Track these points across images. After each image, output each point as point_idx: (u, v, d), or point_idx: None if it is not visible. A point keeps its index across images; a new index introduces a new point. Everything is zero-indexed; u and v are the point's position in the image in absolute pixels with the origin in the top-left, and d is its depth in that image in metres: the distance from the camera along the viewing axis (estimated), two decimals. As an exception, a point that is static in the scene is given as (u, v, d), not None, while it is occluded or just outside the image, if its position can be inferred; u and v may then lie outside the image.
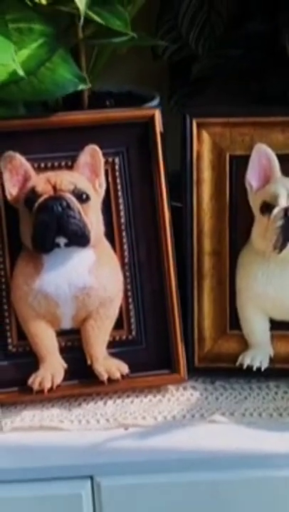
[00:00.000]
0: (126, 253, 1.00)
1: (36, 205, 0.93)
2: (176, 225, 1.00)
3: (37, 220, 0.93)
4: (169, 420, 0.94)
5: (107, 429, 0.94)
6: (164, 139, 0.99)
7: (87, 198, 0.95)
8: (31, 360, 0.98)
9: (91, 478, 0.90)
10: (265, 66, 1.13)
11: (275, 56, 1.11)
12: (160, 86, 1.19)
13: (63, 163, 0.99)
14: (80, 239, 0.93)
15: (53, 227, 0.93)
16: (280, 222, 0.93)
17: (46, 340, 0.97)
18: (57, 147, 0.98)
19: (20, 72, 0.84)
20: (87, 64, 1.02)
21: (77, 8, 0.85)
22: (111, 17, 0.92)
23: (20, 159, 0.97)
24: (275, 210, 0.94)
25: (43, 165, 0.98)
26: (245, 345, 1.00)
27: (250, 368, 0.98)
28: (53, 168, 0.98)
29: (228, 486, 0.89)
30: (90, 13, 0.89)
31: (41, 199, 0.93)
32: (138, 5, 1.02)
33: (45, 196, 0.94)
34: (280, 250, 0.93)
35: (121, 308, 0.99)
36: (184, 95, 1.17)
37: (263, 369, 0.98)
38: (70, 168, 0.98)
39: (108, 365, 0.96)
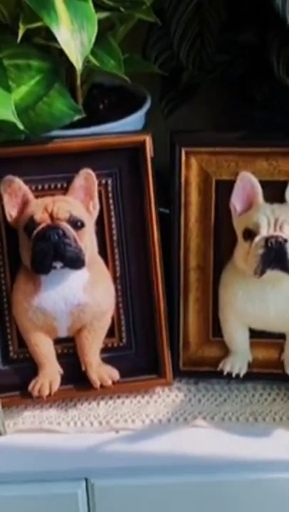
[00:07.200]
0: (118, 268, 1.07)
1: (35, 232, 1.00)
2: (164, 236, 1.07)
3: (36, 247, 1.00)
4: (156, 424, 1.05)
5: (99, 432, 1.04)
6: (153, 162, 1.05)
7: (82, 225, 1.02)
8: (30, 366, 1.07)
9: (86, 479, 1.01)
10: (252, 73, 1.18)
11: (261, 66, 1.15)
12: (150, 81, 1.23)
13: (59, 185, 1.05)
14: (75, 263, 1.01)
15: (50, 253, 1.00)
16: (260, 251, 1.00)
17: (45, 350, 1.06)
18: (53, 170, 1.04)
19: (20, 127, 0.89)
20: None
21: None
22: (105, 56, 0.96)
23: (19, 183, 1.03)
24: (257, 239, 1.01)
25: (40, 187, 1.05)
26: (226, 350, 1.10)
27: (229, 374, 1.08)
28: (49, 189, 1.05)
29: (209, 488, 1.01)
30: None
31: (39, 228, 1.00)
32: (130, 25, 1.05)
33: (43, 225, 1.00)
34: (260, 275, 1.01)
35: (113, 318, 1.08)
36: (173, 98, 1.21)
37: (241, 375, 1.08)
38: (66, 190, 1.04)
39: (100, 373, 1.06)
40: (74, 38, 0.86)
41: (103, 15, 0.93)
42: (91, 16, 0.87)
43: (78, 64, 0.86)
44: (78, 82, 0.89)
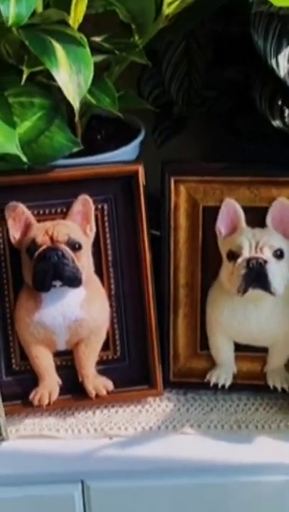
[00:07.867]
0: (112, 286, 1.17)
1: (36, 254, 1.10)
2: (155, 256, 1.17)
3: (37, 267, 1.10)
4: (147, 431, 1.13)
5: (95, 438, 1.13)
6: (145, 189, 1.14)
7: (80, 246, 1.11)
8: (31, 377, 1.16)
9: (82, 482, 1.10)
10: (237, 108, 1.27)
11: (246, 101, 1.24)
12: (144, 113, 1.32)
13: (59, 210, 1.14)
14: (73, 282, 1.10)
15: (50, 273, 1.09)
16: (242, 271, 1.09)
17: (45, 362, 1.15)
18: (53, 197, 1.13)
19: (24, 159, 0.98)
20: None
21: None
22: (101, 95, 1.06)
23: (22, 208, 1.12)
24: (239, 260, 1.10)
25: (41, 212, 1.14)
26: (212, 362, 1.19)
27: (216, 384, 1.17)
28: (50, 214, 1.14)
29: (195, 490, 1.09)
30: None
31: (40, 249, 1.10)
32: (124, 65, 1.15)
33: (43, 247, 1.10)
34: (243, 294, 1.10)
35: (108, 332, 1.17)
36: (165, 129, 1.31)
37: (226, 386, 1.17)
38: (65, 214, 1.14)
39: (96, 384, 1.15)
40: (72, 80, 0.96)
41: (100, 58, 1.03)
42: (88, 60, 0.96)
43: (76, 103, 0.96)
44: (77, 118, 0.98)
